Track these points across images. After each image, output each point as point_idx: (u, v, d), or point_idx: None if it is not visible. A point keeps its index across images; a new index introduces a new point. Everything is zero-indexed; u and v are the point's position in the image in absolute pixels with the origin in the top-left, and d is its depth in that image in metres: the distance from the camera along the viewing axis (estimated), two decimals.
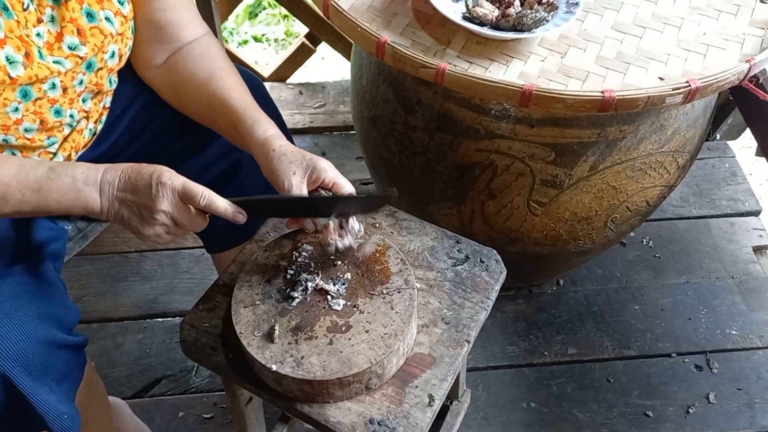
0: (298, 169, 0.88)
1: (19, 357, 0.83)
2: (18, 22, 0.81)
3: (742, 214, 1.86)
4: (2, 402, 0.84)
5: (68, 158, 0.98)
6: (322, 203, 0.91)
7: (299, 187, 0.88)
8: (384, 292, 0.90)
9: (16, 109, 0.85)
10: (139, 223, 0.84)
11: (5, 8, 0.79)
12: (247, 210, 0.87)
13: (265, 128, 0.92)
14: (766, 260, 1.78)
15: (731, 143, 2.03)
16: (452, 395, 1.26)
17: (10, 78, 0.80)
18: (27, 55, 0.82)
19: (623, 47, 1.10)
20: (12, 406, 0.85)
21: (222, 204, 0.84)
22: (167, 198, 0.81)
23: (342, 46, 2.08)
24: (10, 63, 0.80)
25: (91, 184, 0.82)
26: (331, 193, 0.89)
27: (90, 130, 1.01)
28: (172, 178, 0.82)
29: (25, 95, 0.84)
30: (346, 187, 0.90)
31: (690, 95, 1.00)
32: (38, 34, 0.84)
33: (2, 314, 0.84)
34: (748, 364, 1.55)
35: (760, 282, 1.71)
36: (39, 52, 0.84)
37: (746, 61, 1.03)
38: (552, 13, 1.09)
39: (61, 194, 0.82)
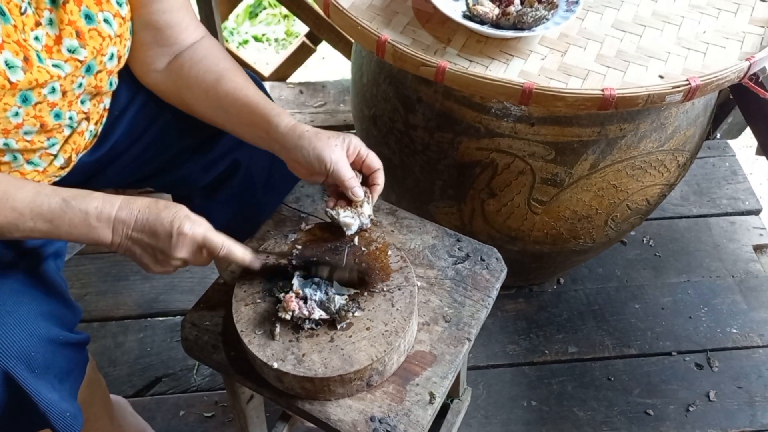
0: (339, 143, 0.91)
1: (22, 354, 0.83)
2: (15, 26, 0.80)
3: (742, 213, 1.86)
4: (5, 399, 0.84)
5: (69, 160, 0.97)
6: (324, 268, 0.91)
7: (344, 160, 0.91)
8: (385, 289, 0.90)
9: (17, 114, 0.84)
10: (150, 261, 0.85)
11: (2, 13, 0.79)
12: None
13: (289, 118, 0.94)
14: (767, 259, 1.78)
15: (731, 142, 2.04)
16: (453, 393, 1.26)
17: (10, 83, 0.80)
18: (26, 59, 0.81)
19: (623, 45, 1.10)
20: (14, 403, 0.85)
21: (240, 254, 0.86)
22: (186, 247, 0.82)
23: (342, 45, 2.08)
24: (10, 68, 0.80)
25: (103, 221, 0.82)
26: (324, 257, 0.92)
27: (91, 131, 1.01)
28: (193, 228, 0.82)
29: (25, 100, 0.84)
30: (377, 161, 0.94)
31: (690, 93, 1.00)
32: (36, 38, 0.83)
33: (4, 312, 0.84)
34: (749, 363, 1.55)
35: (760, 281, 1.71)
36: (38, 55, 0.83)
37: (746, 60, 1.03)
38: (552, 11, 1.09)
39: (73, 227, 0.81)
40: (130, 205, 0.83)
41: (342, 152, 0.91)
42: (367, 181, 0.96)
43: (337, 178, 0.91)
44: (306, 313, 0.85)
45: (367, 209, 0.95)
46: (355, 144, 0.93)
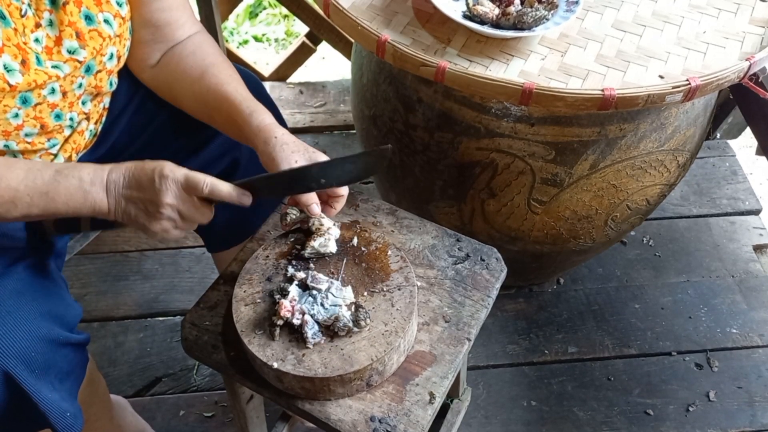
0: (300, 159, 0.88)
1: (22, 354, 0.83)
2: (15, 29, 0.81)
3: (742, 213, 1.86)
4: (5, 400, 0.84)
5: (69, 159, 0.98)
6: (321, 170, 0.87)
7: None
8: (384, 289, 0.90)
9: (17, 115, 0.85)
10: (146, 219, 0.85)
11: (2, 17, 0.79)
12: (251, 192, 0.87)
13: (263, 117, 0.92)
14: (767, 259, 1.78)
15: (731, 142, 2.04)
16: (453, 393, 1.26)
17: (10, 85, 0.80)
18: (23, 62, 0.81)
19: (623, 45, 1.10)
20: (15, 403, 0.85)
21: (225, 188, 0.85)
22: (171, 191, 0.82)
23: (342, 45, 2.08)
24: (8, 71, 0.80)
25: (97, 185, 0.83)
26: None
27: (90, 131, 1.01)
28: (173, 170, 0.82)
29: (24, 101, 0.84)
30: (343, 187, 0.90)
31: (690, 93, 1.00)
32: (36, 39, 0.84)
33: (5, 312, 0.84)
34: (749, 363, 1.55)
35: (760, 280, 1.71)
36: (37, 57, 0.83)
37: (746, 60, 1.03)
38: (552, 11, 1.09)
39: (69, 196, 0.82)
40: (119, 166, 0.85)
41: None
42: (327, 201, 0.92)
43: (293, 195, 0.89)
44: (297, 322, 0.84)
45: (329, 223, 0.93)
46: None
